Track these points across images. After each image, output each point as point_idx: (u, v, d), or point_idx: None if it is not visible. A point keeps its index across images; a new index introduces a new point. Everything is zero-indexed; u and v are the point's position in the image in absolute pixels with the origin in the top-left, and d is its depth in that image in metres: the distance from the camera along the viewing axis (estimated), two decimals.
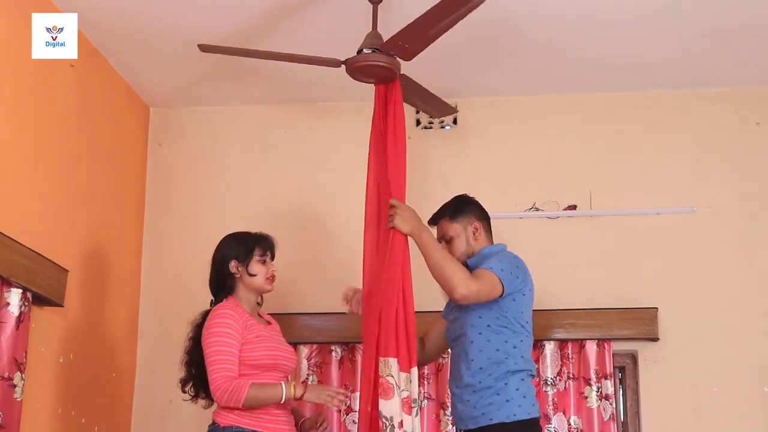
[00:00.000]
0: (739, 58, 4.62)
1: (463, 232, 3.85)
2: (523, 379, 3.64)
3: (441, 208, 3.93)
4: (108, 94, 4.77)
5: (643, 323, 4.64)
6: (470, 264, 3.78)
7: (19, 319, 3.64)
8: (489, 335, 3.65)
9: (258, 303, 3.95)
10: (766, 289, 4.70)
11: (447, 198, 4.04)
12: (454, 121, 5.05)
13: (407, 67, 3.91)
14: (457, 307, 3.82)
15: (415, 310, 3.70)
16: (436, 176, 4.81)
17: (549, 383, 4.55)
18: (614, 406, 4.55)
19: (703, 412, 4.60)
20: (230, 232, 3.99)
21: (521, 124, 5.03)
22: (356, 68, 3.86)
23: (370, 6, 3.90)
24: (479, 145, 5.01)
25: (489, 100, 5.05)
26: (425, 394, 4.62)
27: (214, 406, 3.72)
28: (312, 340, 4.68)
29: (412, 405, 3.54)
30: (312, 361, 4.71)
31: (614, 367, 4.65)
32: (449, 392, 3.94)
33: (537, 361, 4.52)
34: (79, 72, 4.39)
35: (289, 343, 3.99)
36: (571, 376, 4.60)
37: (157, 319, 4.97)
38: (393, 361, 3.56)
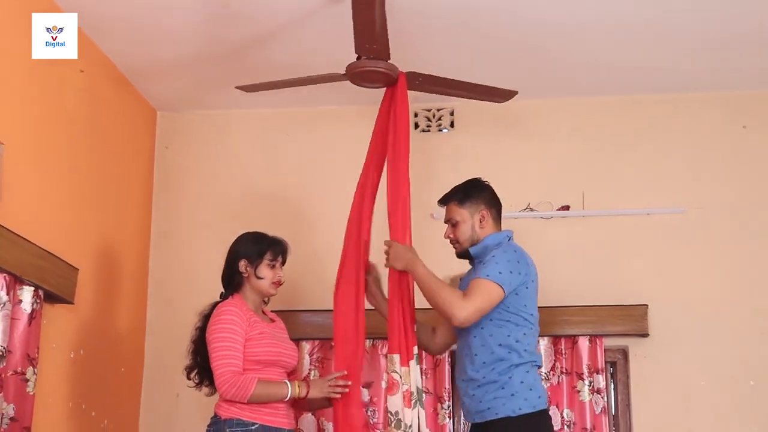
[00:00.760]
0: (726, 64, 4.61)
1: (469, 218, 3.78)
2: (528, 371, 3.57)
3: (452, 190, 3.86)
4: (117, 98, 4.77)
5: (633, 320, 4.63)
6: (472, 253, 3.75)
7: (32, 316, 3.64)
8: (491, 329, 3.59)
9: (264, 301, 3.95)
10: (753, 287, 4.70)
11: None
12: (451, 125, 5.05)
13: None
14: None
15: (418, 306, 3.76)
16: (434, 178, 4.77)
17: (543, 377, 4.52)
18: (606, 399, 4.56)
19: (691, 406, 4.61)
20: (238, 229, 4.00)
21: (516, 128, 5.01)
22: (356, 74, 3.88)
23: None
24: (475, 148, 5.01)
25: (484, 105, 4.88)
26: (423, 389, 4.62)
27: (216, 398, 3.73)
28: (314, 336, 4.68)
29: (412, 398, 3.57)
30: (314, 356, 4.72)
31: (606, 362, 4.65)
32: (457, 386, 3.90)
33: None
34: (89, 77, 4.39)
35: (293, 339, 4.00)
36: (564, 370, 4.60)
37: (164, 316, 4.96)
38: (396, 357, 3.62)
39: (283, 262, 3.92)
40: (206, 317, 3.81)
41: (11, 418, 3.51)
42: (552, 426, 3.65)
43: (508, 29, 4.21)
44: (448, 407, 4.59)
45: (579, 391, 4.57)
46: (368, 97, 4.25)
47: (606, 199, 4.88)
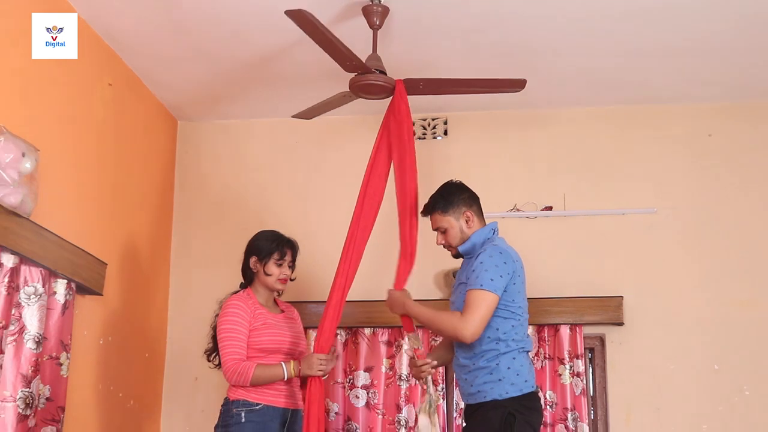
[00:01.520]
0: (693, 78, 4.62)
1: (456, 223, 3.66)
2: (514, 358, 3.49)
3: (431, 199, 3.72)
4: (141, 109, 4.77)
5: (610, 310, 4.64)
6: (461, 251, 3.66)
7: (65, 306, 3.66)
8: None
9: (277, 293, 3.94)
10: (717, 280, 4.70)
11: None
12: (445, 132, 5.04)
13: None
14: (453, 291, 3.72)
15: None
16: (429, 181, 4.61)
17: None
18: (585, 382, 4.56)
19: (661, 387, 4.61)
20: (251, 227, 4.01)
21: (503, 135, 5.02)
22: (357, 88, 3.86)
23: (371, 32, 3.91)
24: (467, 154, 5.00)
25: (475, 114, 5.03)
26: None
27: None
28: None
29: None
30: None
31: (585, 349, 4.64)
32: (453, 370, 3.87)
33: None
34: (117, 90, 4.40)
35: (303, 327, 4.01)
36: (547, 356, 4.60)
37: (184, 306, 4.97)
38: (418, 334, 3.75)
39: (292, 261, 3.90)
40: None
41: (47, 398, 3.55)
42: (539, 407, 3.57)
43: (497, 47, 4.21)
44: (442, 389, 4.61)
45: (560, 375, 4.56)
46: (367, 108, 4.24)
47: (585, 201, 4.88)
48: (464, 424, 3.67)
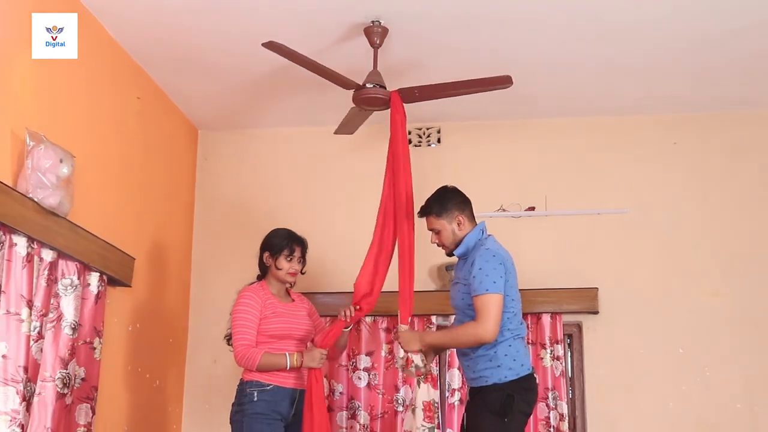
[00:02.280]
0: (660, 91, 4.64)
1: (448, 225, 3.61)
2: (510, 345, 3.47)
3: (427, 203, 3.67)
4: (166, 120, 4.77)
5: (586, 300, 4.65)
6: (457, 254, 3.63)
7: (97, 297, 3.69)
8: (473, 314, 3.46)
9: (289, 285, 3.91)
10: (683, 273, 4.72)
11: None
12: (438, 140, 5.03)
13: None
14: (451, 289, 3.69)
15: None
16: (424, 184, 4.50)
17: None
18: (564, 365, 4.56)
19: (632, 369, 4.64)
20: (265, 226, 3.99)
21: (491, 143, 5.01)
22: (359, 101, 3.88)
23: (371, 50, 3.92)
24: (458, 160, 4.99)
25: (466, 124, 5.02)
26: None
27: None
28: (326, 314, 4.52)
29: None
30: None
31: (564, 335, 4.65)
32: (458, 357, 3.87)
33: None
34: (144, 102, 4.40)
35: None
36: (530, 341, 4.58)
37: (205, 297, 4.97)
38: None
39: (302, 257, 3.87)
40: None
41: (82, 379, 3.58)
42: (534, 386, 3.57)
43: (485, 65, 4.18)
44: (436, 369, 4.60)
45: (542, 358, 4.57)
46: (373, 118, 4.20)
47: (564, 202, 4.88)
48: (468, 400, 3.66)
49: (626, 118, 4.94)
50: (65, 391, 3.41)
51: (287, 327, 3.78)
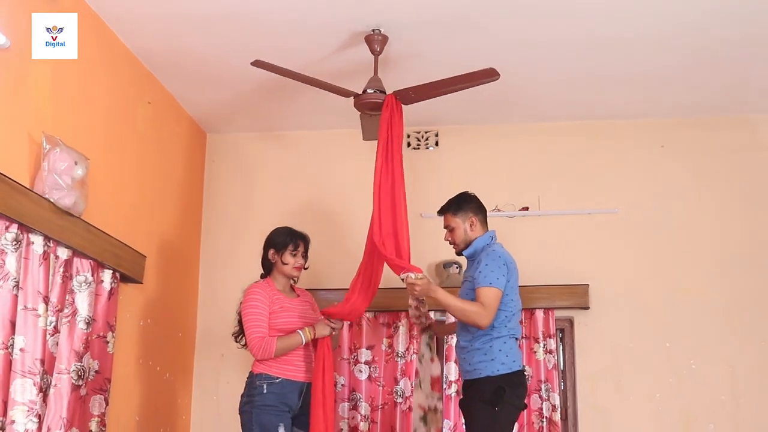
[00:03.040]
0: (648, 96, 4.65)
1: (462, 224, 3.72)
2: (505, 342, 3.56)
3: (448, 202, 3.80)
4: (175, 124, 4.78)
5: (578, 296, 4.65)
6: (466, 255, 3.72)
7: (110, 293, 3.69)
8: None
9: (293, 281, 3.92)
10: (669, 270, 4.72)
11: (432, 203, 4.03)
12: (436, 143, 5.03)
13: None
14: (462, 286, 3.74)
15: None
16: (423, 185, 4.74)
17: None
18: (556, 358, 4.57)
19: (621, 362, 4.65)
20: (270, 225, 3.98)
21: (487, 146, 5.01)
22: (359, 106, 3.89)
23: (372, 57, 3.93)
24: (455, 162, 5.00)
25: (462, 128, 5.03)
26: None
27: (253, 358, 3.74)
28: None
29: None
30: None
31: (556, 329, 4.66)
32: (455, 350, 3.89)
33: None
34: (155, 107, 4.41)
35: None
36: (524, 336, 4.58)
37: (212, 293, 4.97)
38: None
39: (305, 252, 3.88)
40: None
41: (96, 371, 3.59)
42: (525, 382, 3.65)
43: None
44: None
45: (535, 352, 4.59)
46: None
47: (557, 202, 4.89)
48: (461, 397, 3.72)
49: (616, 123, 4.95)
50: (80, 382, 3.42)
51: (295, 320, 3.78)
